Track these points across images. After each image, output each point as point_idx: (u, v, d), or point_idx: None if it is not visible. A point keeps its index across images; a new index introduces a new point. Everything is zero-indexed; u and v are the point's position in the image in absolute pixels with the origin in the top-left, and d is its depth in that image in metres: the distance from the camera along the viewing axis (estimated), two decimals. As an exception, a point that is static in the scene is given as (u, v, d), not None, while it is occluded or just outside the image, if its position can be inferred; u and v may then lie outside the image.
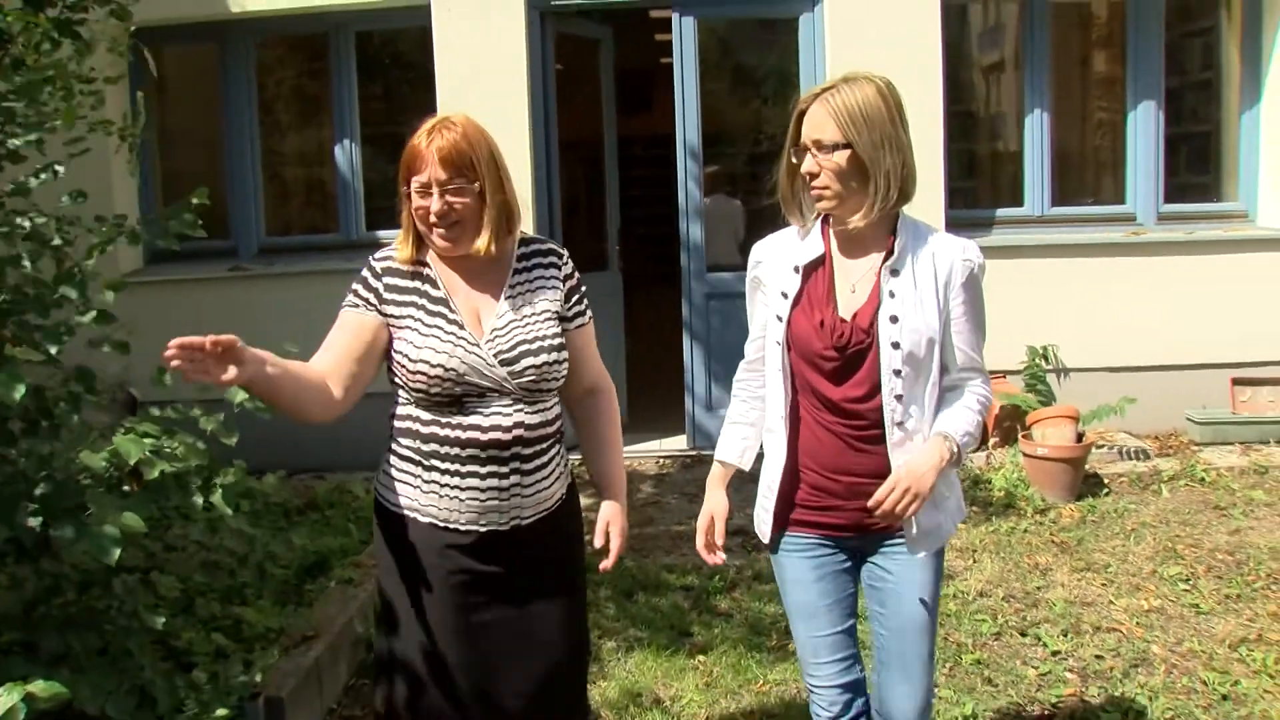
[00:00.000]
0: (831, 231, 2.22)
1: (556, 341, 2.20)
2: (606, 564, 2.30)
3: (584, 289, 2.34)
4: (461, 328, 2.15)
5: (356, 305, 2.20)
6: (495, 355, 2.14)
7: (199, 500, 2.54)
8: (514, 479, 2.17)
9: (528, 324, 2.19)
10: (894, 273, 2.13)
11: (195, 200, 2.94)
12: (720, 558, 2.32)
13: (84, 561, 2.72)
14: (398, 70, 6.89)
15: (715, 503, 2.33)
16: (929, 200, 5.37)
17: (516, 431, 2.15)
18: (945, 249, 2.15)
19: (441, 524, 2.19)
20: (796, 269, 2.21)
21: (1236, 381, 6.06)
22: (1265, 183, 6.26)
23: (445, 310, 2.17)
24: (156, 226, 3.01)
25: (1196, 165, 6.67)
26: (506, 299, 2.21)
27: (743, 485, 2.36)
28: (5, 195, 2.95)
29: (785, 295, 2.21)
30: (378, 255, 2.25)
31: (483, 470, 2.15)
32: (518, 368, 2.14)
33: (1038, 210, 6.37)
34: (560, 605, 2.27)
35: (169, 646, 3.20)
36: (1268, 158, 6.24)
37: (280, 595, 3.91)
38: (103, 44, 3.34)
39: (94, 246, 2.85)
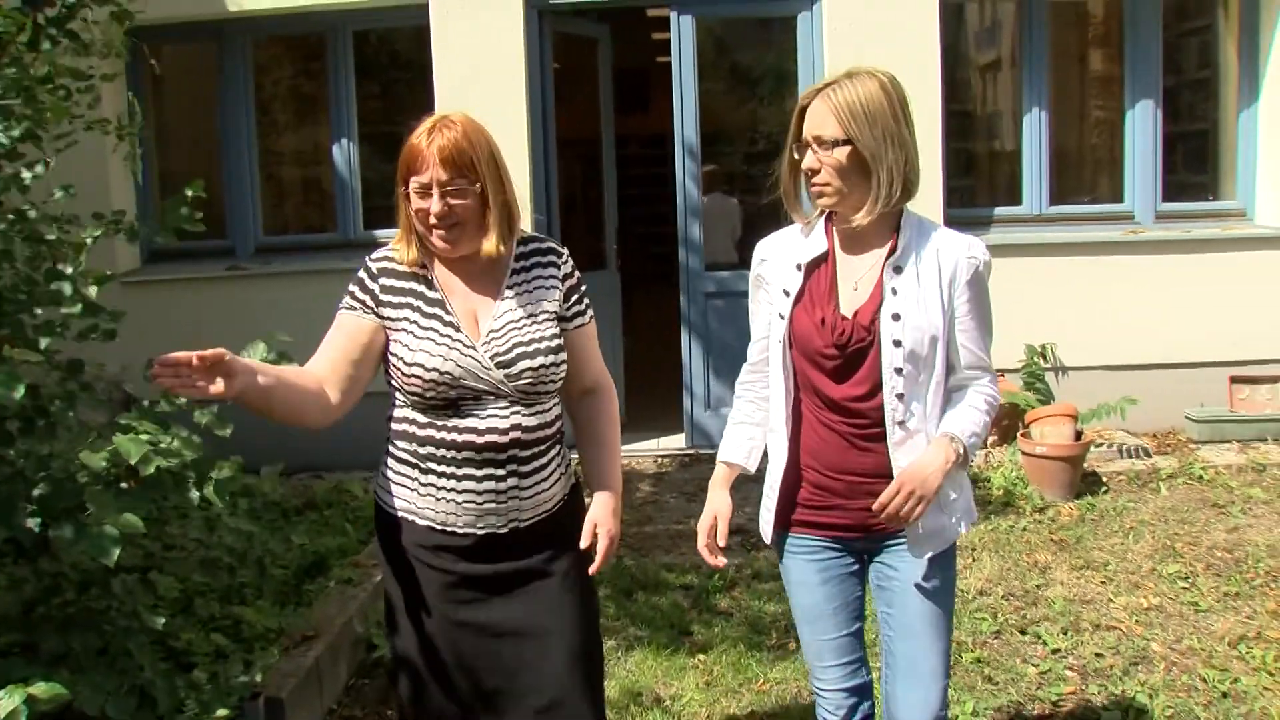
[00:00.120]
0: (834, 228, 2.20)
1: (554, 343, 2.17)
2: (593, 567, 2.23)
3: (584, 288, 2.31)
4: (457, 330, 2.12)
5: (353, 308, 2.18)
6: (491, 358, 2.11)
7: (195, 495, 2.53)
8: (511, 481, 2.14)
9: (525, 326, 2.16)
10: (897, 270, 2.10)
11: (190, 193, 2.93)
12: (722, 560, 2.29)
13: (83, 561, 2.72)
14: (395, 69, 6.87)
15: (718, 504, 2.30)
16: (927, 199, 5.37)
17: (513, 434, 2.13)
18: (950, 246, 2.12)
19: (439, 527, 2.17)
20: (798, 266, 2.19)
21: (1234, 380, 6.07)
22: (1263, 181, 6.27)
23: (441, 312, 2.14)
24: (154, 225, 3.00)
25: (1194, 164, 6.68)
26: (504, 300, 2.18)
27: (741, 485, 2.35)
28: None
29: (787, 293, 2.19)
30: (374, 256, 2.22)
31: (479, 473, 2.12)
32: (514, 370, 2.12)
33: (1036, 209, 6.37)
34: (568, 606, 2.22)
35: (169, 647, 3.19)
36: (1265, 156, 6.25)
37: (279, 595, 3.90)
38: (100, 43, 3.33)
39: (84, 241, 2.85)
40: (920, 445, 2.11)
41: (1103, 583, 4.19)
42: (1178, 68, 6.57)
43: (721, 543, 2.28)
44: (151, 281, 6.25)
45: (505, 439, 2.12)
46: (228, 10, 6.18)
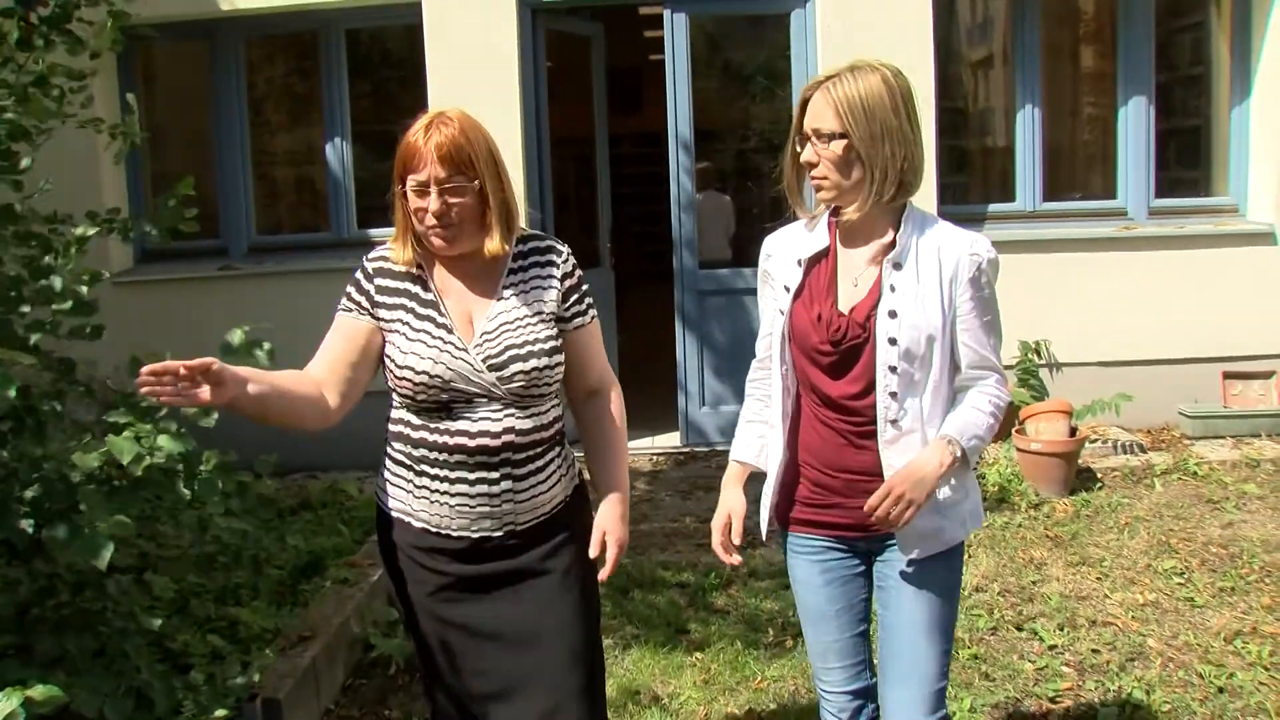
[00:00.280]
0: (837, 224, 2.17)
1: (549, 345, 2.13)
2: (603, 573, 2.21)
3: (586, 287, 2.25)
4: (450, 332, 2.09)
5: (349, 309, 2.16)
6: (483, 360, 2.08)
7: (185, 492, 2.52)
8: (505, 485, 2.11)
9: (519, 327, 2.12)
10: (896, 267, 2.07)
11: (180, 192, 2.91)
12: (737, 558, 2.26)
13: (77, 563, 2.70)
14: (388, 68, 6.86)
15: (732, 502, 2.27)
16: (921, 195, 5.36)
17: (506, 437, 2.09)
18: (952, 243, 2.08)
19: (433, 529, 2.15)
20: (799, 262, 2.17)
21: (1228, 375, 6.08)
22: (1255, 177, 6.28)
23: (434, 313, 2.12)
24: (148, 223, 2.99)
25: (1187, 160, 6.69)
26: (500, 300, 2.14)
27: (751, 482, 2.34)
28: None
29: (788, 288, 2.17)
30: (371, 255, 2.19)
31: (471, 476, 2.10)
32: (506, 373, 2.08)
33: (1029, 205, 6.38)
34: (568, 608, 2.19)
35: (165, 648, 3.18)
36: (1257, 152, 6.26)
37: (276, 596, 3.89)
38: (92, 40, 3.31)
39: (74, 239, 2.83)
40: (915, 445, 2.07)
41: (1098, 579, 4.20)
42: (1170, 64, 6.58)
43: (736, 541, 2.26)
44: (144, 281, 6.23)
45: (497, 442, 2.09)
46: (220, 9, 6.16)
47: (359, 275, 2.18)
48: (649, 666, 3.64)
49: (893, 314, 2.05)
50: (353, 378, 2.14)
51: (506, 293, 2.15)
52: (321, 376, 2.12)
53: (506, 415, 2.09)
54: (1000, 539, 4.64)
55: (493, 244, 2.10)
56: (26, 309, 2.71)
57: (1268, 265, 6.10)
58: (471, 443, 2.08)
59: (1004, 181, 6.51)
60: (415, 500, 2.16)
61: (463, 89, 5.80)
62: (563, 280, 2.20)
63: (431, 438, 2.10)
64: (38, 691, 1.67)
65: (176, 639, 3.24)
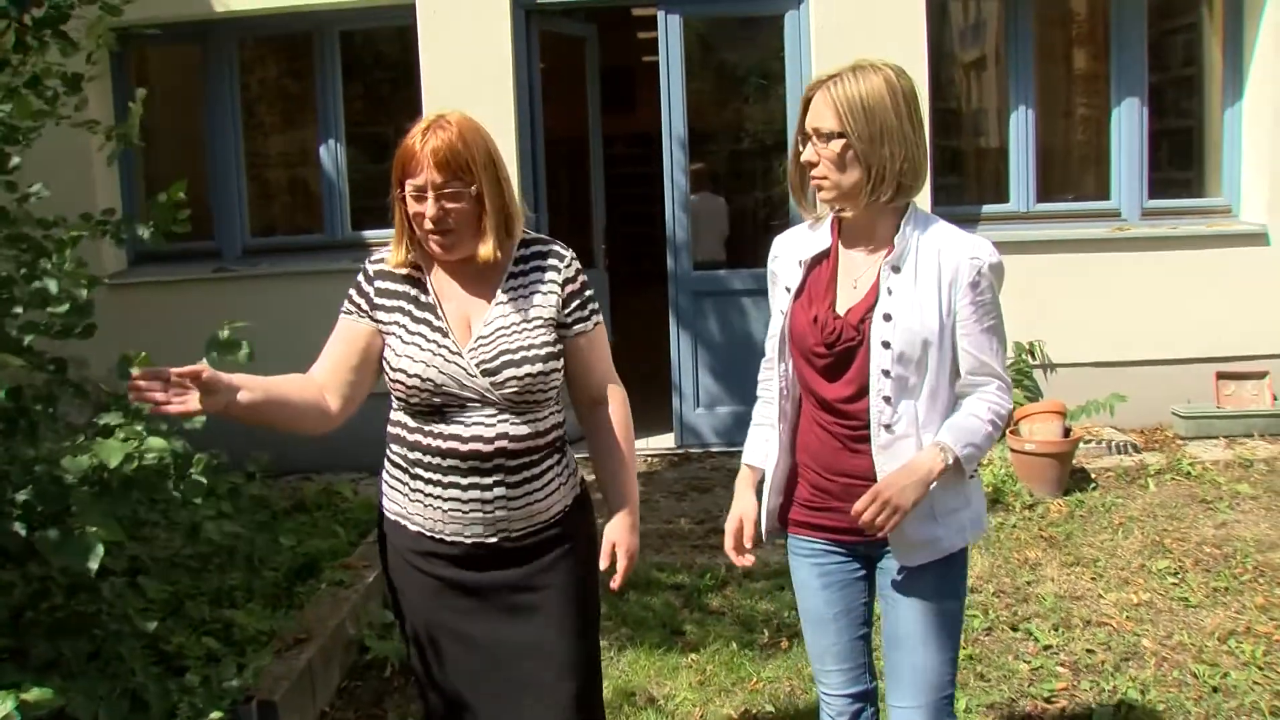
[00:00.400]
0: (840, 225, 2.16)
1: (546, 351, 2.09)
2: (615, 583, 2.19)
3: (589, 293, 2.21)
4: (445, 335, 2.08)
5: (350, 313, 2.16)
6: (477, 365, 2.06)
7: (175, 494, 2.52)
8: (498, 491, 2.09)
9: (515, 332, 2.09)
10: (895, 269, 2.05)
11: (172, 194, 2.90)
12: (749, 560, 2.26)
13: (70, 565, 2.70)
14: (382, 70, 6.86)
15: (744, 505, 2.27)
16: (919, 197, 5.37)
17: (499, 443, 2.07)
18: (953, 247, 2.04)
19: (428, 533, 2.15)
20: (800, 262, 2.17)
21: (1221, 375, 6.09)
22: (1248, 178, 6.30)
23: (431, 317, 2.11)
24: (137, 226, 2.98)
25: (1180, 161, 6.71)
26: (498, 304, 2.12)
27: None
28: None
29: (789, 289, 2.17)
30: (373, 258, 2.19)
31: (463, 481, 2.08)
32: (499, 378, 2.06)
33: (1023, 206, 6.39)
34: (566, 621, 2.17)
35: (160, 650, 3.16)
36: (1250, 153, 6.28)
37: (270, 598, 3.88)
38: (85, 40, 3.30)
39: (69, 240, 2.83)
40: (908, 451, 2.04)
41: (1093, 579, 4.21)
42: (1163, 65, 6.59)
43: (748, 544, 2.25)
44: (138, 284, 6.21)
45: (490, 448, 2.07)
46: (213, 10, 6.15)
47: (360, 278, 2.18)
48: (644, 668, 3.64)
49: (888, 317, 2.03)
50: (354, 381, 2.14)
51: (505, 297, 2.13)
52: (323, 379, 2.13)
53: (501, 421, 2.07)
54: (995, 539, 4.65)
55: (486, 249, 2.07)
56: (19, 310, 2.71)
57: (1261, 266, 6.12)
58: (464, 447, 2.07)
59: (997, 182, 6.52)
60: (410, 503, 2.16)
61: (457, 90, 5.79)
62: (564, 285, 2.17)
63: (425, 441, 2.10)
64: (32, 695, 1.67)
65: (171, 641, 3.23)
